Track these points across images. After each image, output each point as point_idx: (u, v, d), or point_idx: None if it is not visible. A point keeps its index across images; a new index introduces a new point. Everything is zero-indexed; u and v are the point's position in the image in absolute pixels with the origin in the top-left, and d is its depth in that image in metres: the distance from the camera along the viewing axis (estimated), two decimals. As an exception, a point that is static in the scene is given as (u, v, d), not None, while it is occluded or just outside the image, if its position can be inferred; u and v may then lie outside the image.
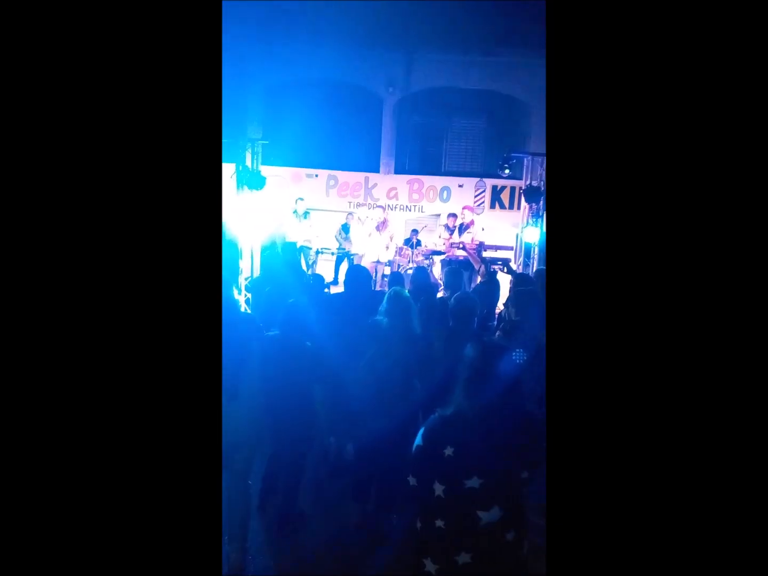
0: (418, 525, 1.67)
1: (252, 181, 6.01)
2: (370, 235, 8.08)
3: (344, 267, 8.19)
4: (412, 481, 1.66)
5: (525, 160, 7.24)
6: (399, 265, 7.84)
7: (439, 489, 1.58)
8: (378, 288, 6.38)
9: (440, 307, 3.59)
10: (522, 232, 7.41)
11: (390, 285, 4.23)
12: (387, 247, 8.02)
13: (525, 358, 3.15)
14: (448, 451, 1.56)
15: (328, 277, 7.97)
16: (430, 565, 1.62)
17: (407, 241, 8.03)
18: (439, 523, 1.60)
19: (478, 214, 9.11)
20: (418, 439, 1.64)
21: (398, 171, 9.90)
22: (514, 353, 3.19)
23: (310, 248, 7.99)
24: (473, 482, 1.54)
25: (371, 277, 4.34)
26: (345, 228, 8.31)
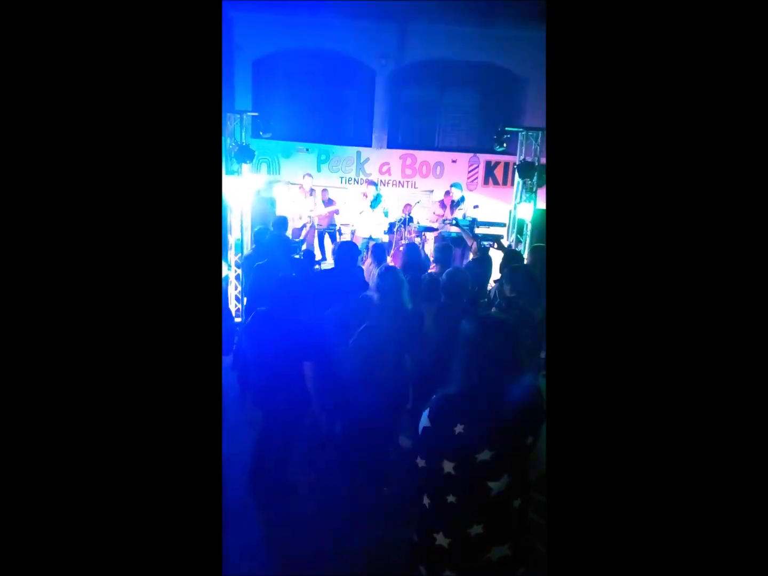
0: (426, 502, 1.67)
1: (241, 154, 5.87)
2: (362, 212, 7.98)
3: (327, 243, 8.14)
4: (421, 462, 1.66)
5: (519, 135, 7.12)
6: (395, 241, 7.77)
7: (448, 466, 1.59)
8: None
9: (432, 283, 3.56)
10: (515, 208, 7.34)
11: (373, 258, 4.18)
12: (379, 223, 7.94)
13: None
14: (459, 428, 1.57)
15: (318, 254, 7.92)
16: (441, 539, 1.63)
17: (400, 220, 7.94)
18: (451, 498, 1.61)
19: (471, 191, 9.04)
20: (425, 421, 1.63)
21: (391, 145, 9.75)
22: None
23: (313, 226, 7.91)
24: (484, 455, 1.57)
25: (360, 252, 4.27)
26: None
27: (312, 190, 8.16)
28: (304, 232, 7.00)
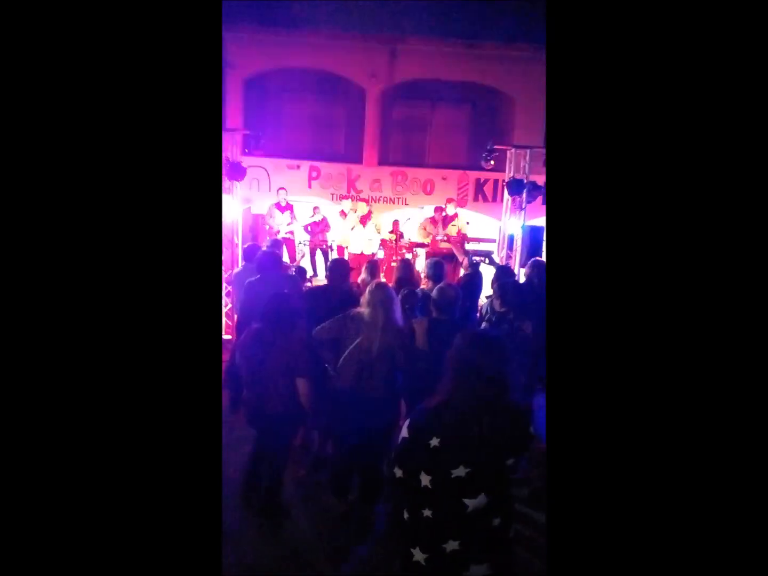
0: (406, 515, 1.66)
1: (232, 172, 5.91)
2: (353, 228, 8.03)
3: (320, 259, 8.17)
4: (398, 473, 1.65)
5: (508, 152, 7.24)
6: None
7: (425, 479, 1.58)
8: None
9: (423, 299, 3.58)
10: (505, 224, 7.43)
11: (368, 274, 4.21)
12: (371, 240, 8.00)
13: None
14: (434, 441, 1.56)
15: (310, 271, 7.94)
16: (418, 555, 1.62)
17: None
18: (427, 512, 1.60)
19: (461, 207, 9.13)
20: (404, 431, 1.63)
21: (382, 163, 9.85)
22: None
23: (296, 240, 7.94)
24: (459, 471, 1.55)
25: (351, 269, 4.32)
26: None
27: (290, 206, 8.19)
28: (299, 254, 7.05)
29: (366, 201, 8.75)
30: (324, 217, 8.32)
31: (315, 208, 8.43)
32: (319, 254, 8.33)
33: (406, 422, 1.64)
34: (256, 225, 7.35)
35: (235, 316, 5.50)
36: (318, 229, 8.23)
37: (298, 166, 9.33)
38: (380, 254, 8.01)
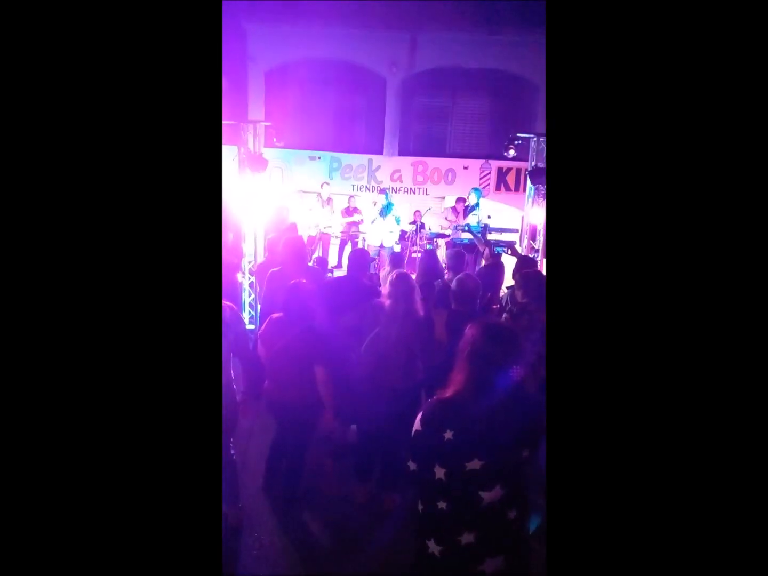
0: (420, 507, 1.67)
1: (254, 163, 5.94)
2: (374, 221, 8.03)
3: (348, 251, 8.21)
4: (412, 466, 1.65)
5: (531, 141, 7.11)
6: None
7: (440, 472, 1.58)
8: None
9: (443, 290, 3.57)
10: (527, 214, 7.33)
11: (391, 266, 4.21)
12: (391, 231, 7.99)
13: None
14: (448, 434, 1.55)
15: (332, 262, 7.98)
16: (433, 547, 1.63)
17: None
18: (442, 504, 1.60)
19: (483, 197, 9.05)
20: (417, 424, 1.63)
21: (402, 153, 9.80)
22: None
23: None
24: (474, 464, 1.54)
25: (372, 260, 4.34)
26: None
27: (330, 199, 8.24)
28: (316, 241, 7.10)
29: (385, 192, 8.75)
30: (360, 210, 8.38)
31: (351, 198, 8.46)
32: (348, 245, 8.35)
33: (419, 415, 1.63)
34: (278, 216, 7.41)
35: (258, 306, 5.57)
36: (353, 221, 8.28)
37: (319, 157, 9.35)
38: (397, 247, 8.00)
